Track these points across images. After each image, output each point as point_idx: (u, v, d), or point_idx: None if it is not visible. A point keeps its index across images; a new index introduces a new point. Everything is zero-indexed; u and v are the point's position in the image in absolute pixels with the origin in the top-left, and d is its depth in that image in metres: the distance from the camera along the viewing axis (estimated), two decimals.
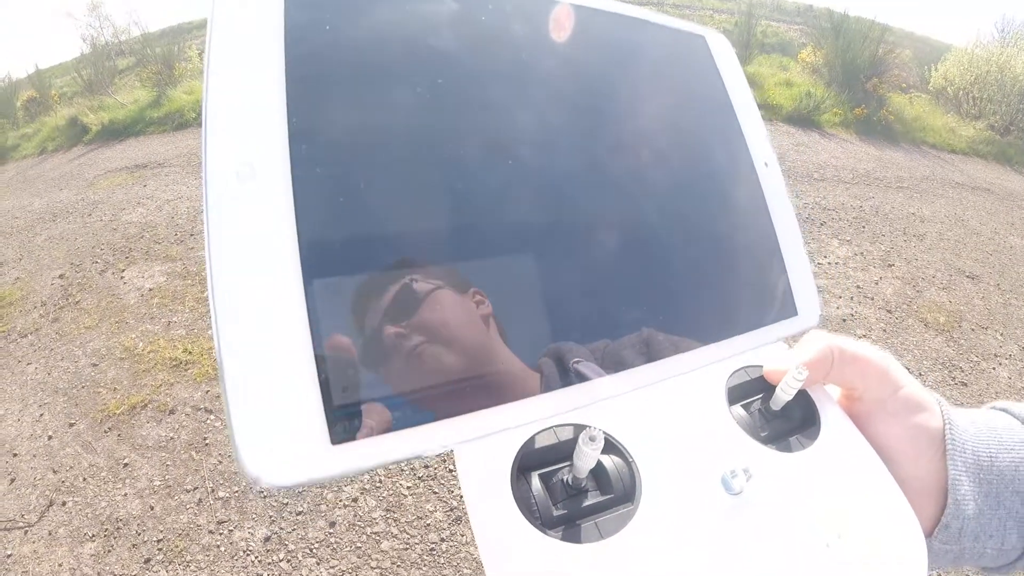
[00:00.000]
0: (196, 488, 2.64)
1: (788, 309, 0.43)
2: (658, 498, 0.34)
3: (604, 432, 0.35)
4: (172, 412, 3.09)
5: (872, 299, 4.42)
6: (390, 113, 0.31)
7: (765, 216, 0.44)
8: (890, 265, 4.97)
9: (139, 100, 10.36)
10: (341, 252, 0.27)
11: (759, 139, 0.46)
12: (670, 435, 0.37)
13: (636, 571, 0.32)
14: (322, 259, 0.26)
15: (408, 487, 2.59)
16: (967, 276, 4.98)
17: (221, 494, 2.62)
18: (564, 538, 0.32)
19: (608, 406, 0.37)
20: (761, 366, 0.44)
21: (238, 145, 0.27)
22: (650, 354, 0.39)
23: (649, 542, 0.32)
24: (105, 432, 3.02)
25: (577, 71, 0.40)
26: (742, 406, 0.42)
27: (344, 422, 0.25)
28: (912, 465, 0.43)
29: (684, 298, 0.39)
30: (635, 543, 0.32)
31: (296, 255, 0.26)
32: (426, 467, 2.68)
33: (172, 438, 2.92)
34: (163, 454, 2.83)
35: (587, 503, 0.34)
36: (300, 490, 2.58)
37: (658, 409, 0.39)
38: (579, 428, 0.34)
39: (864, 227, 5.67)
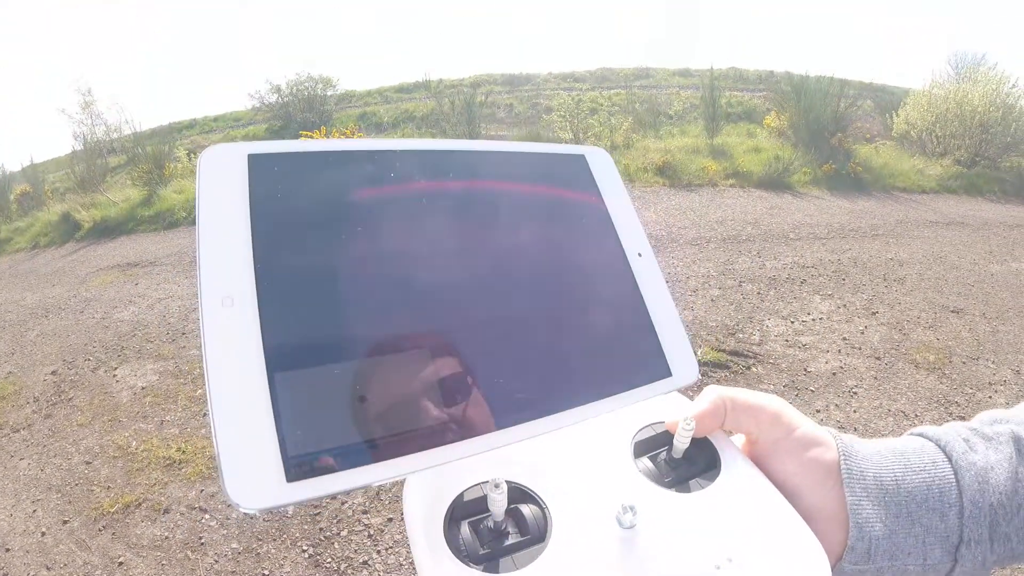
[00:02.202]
0: None
1: (662, 371, 0.49)
2: (565, 537, 0.41)
3: (519, 484, 0.44)
4: (167, 511, 3.12)
5: (860, 349, 4.47)
6: (329, 255, 0.41)
7: (638, 297, 0.51)
8: (874, 313, 5.06)
9: (130, 198, 10.53)
10: (292, 353, 0.37)
11: (633, 234, 0.53)
12: (580, 487, 0.45)
13: None
14: (279, 357, 0.36)
15: None
16: (951, 311, 5.09)
17: None
18: (485, 570, 0.39)
19: (528, 465, 0.45)
20: (663, 422, 0.50)
21: (222, 283, 0.36)
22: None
23: (555, 571, 0.39)
24: (99, 530, 3.04)
25: (481, 204, 0.49)
26: (649, 457, 0.48)
27: (296, 467, 0.34)
28: (812, 496, 0.46)
29: (571, 367, 0.46)
30: (543, 572, 0.39)
31: (261, 355, 0.35)
32: None
33: (167, 537, 2.94)
34: (158, 553, 2.85)
35: (507, 543, 0.41)
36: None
37: (572, 466, 0.46)
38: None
39: (844, 279, 5.83)
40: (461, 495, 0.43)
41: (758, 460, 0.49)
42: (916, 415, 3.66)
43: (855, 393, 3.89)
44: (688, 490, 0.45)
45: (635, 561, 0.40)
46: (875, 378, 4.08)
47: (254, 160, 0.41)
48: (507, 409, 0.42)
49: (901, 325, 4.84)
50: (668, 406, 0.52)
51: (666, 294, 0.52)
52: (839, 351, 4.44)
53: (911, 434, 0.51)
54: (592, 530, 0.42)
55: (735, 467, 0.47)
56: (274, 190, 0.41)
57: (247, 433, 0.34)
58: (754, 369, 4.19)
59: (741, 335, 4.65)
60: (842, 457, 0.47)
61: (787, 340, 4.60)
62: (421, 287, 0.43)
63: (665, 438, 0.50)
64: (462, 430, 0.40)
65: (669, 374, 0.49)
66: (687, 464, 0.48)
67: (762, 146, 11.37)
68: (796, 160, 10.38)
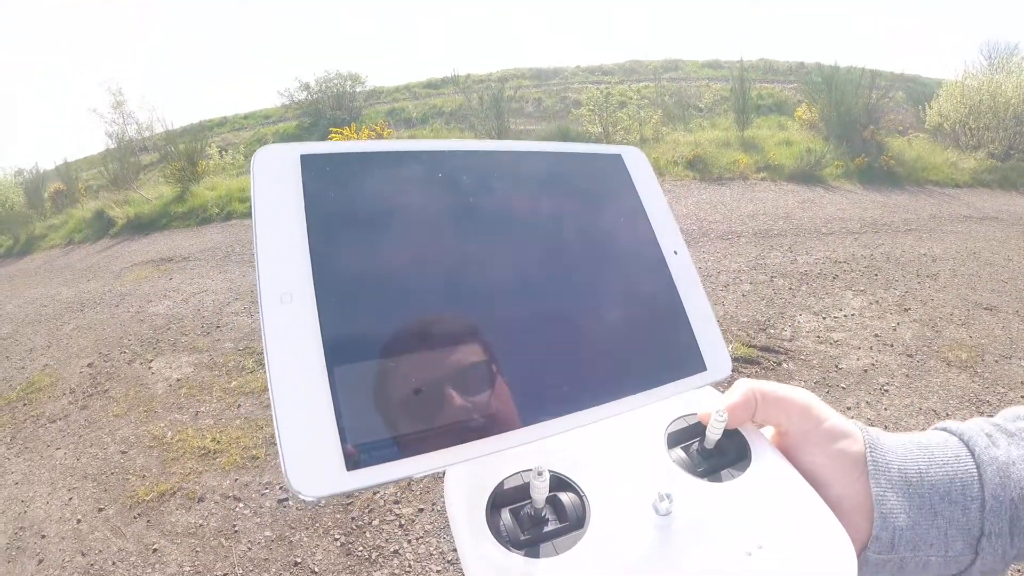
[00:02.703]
0: (226, 574, 2.72)
1: (698, 365, 0.50)
2: (603, 523, 0.43)
3: (559, 473, 0.46)
4: (201, 500, 3.18)
5: (892, 345, 4.42)
6: (380, 252, 0.42)
7: (674, 293, 0.52)
8: (906, 309, 5.00)
9: (163, 195, 10.70)
10: (349, 347, 0.38)
11: (669, 233, 0.55)
12: (617, 476, 0.46)
13: None
14: (338, 351, 0.37)
15: None
16: (985, 308, 5.02)
17: None
18: (527, 555, 0.41)
19: (566, 454, 0.47)
20: (695, 414, 0.52)
21: (281, 280, 0.38)
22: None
23: (594, 556, 0.41)
24: (134, 518, 3.11)
25: (524, 202, 0.51)
26: (682, 448, 0.50)
27: (354, 456, 0.35)
28: (840, 487, 0.47)
29: (612, 361, 0.48)
30: (583, 557, 0.41)
31: (320, 349, 0.37)
32: None
33: (201, 525, 3.00)
34: (193, 540, 2.91)
35: (547, 529, 0.42)
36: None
37: (608, 456, 0.48)
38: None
39: (877, 275, 5.78)
40: (501, 483, 0.45)
41: (787, 451, 0.50)
42: (947, 413, 3.61)
43: (886, 390, 3.84)
44: (720, 480, 0.47)
45: (670, 547, 0.42)
46: (907, 376, 4.03)
47: (306, 160, 0.42)
48: (550, 402, 0.43)
49: (934, 322, 4.77)
50: (700, 398, 0.54)
51: (700, 291, 0.54)
52: (871, 348, 4.39)
53: (935, 428, 0.52)
54: (629, 517, 0.43)
55: (765, 458, 0.49)
56: (326, 189, 0.42)
57: (308, 424, 0.35)
58: (785, 365, 4.15)
59: (772, 331, 4.61)
60: (868, 449, 0.48)
61: (818, 336, 4.55)
62: (468, 284, 0.45)
63: (697, 429, 0.51)
64: (508, 422, 0.41)
65: (704, 368, 0.51)
66: (719, 455, 0.49)
67: (793, 139, 11.27)
68: (828, 153, 10.27)
